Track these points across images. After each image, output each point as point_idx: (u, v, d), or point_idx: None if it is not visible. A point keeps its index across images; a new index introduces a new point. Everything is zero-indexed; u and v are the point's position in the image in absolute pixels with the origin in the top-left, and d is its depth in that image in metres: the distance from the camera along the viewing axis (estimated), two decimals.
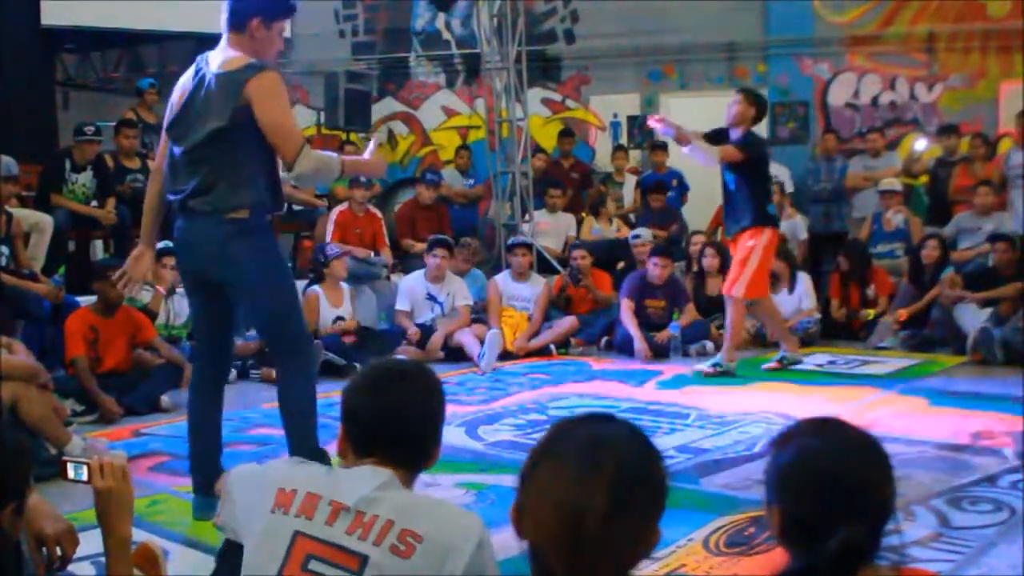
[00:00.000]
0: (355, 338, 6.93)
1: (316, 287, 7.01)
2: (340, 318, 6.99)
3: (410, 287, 7.59)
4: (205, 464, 3.60)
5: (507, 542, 1.42)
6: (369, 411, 1.82)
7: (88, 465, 2.00)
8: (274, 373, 6.17)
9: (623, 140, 10.79)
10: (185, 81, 3.46)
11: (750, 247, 6.05)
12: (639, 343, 7.14)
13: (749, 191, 6.03)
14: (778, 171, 9.45)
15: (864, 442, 1.52)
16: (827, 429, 1.55)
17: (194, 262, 3.45)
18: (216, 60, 3.40)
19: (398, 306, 7.56)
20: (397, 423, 1.81)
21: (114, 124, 7.88)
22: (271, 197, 3.48)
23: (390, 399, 1.83)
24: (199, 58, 3.49)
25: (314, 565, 1.66)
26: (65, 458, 2.07)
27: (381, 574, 1.62)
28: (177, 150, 3.43)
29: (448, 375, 6.63)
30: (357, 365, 6.03)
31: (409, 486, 1.81)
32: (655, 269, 7.46)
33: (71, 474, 2.03)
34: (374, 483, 1.72)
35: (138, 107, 8.68)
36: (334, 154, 3.51)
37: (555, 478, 1.35)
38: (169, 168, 3.48)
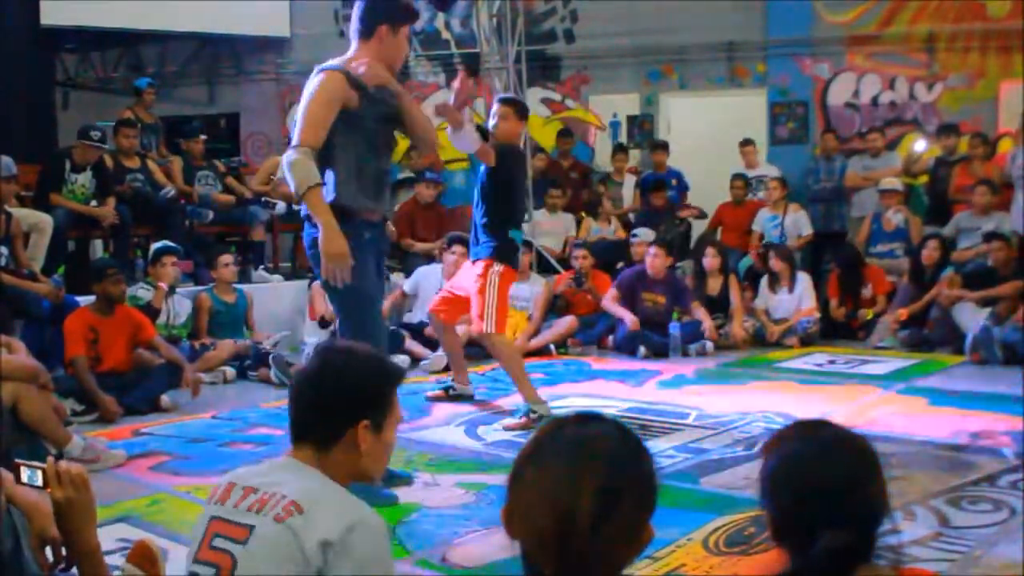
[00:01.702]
0: None
1: (318, 283, 7.01)
2: None
3: (425, 277, 7.57)
4: None
5: (501, 543, 1.42)
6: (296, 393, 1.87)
7: (43, 470, 1.94)
8: (271, 374, 6.31)
9: (623, 140, 10.78)
10: None
11: (485, 280, 5.42)
12: (627, 316, 7.28)
13: (495, 208, 5.35)
14: (769, 170, 9.51)
15: (849, 443, 1.52)
16: (811, 431, 1.56)
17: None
18: None
19: (405, 288, 7.57)
20: (313, 398, 1.84)
21: (113, 124, 7.88)
22: (369, 199, 3.62)
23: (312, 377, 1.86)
24: None
25: (217, 541, 1.74)
26: (18, 461, 2.00)
27: (264, 541, 1.68)
28: None
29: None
30: None
31: (340, 472, 1.80)
32: (651, 259, 7.45)
33: (24, 478, 1.96)
34: (291, 475, 1.76)
35: (136, 107, 8.67)
36: (311, 175, 3.44)
37: (544, 479, 1.34)
38: None
